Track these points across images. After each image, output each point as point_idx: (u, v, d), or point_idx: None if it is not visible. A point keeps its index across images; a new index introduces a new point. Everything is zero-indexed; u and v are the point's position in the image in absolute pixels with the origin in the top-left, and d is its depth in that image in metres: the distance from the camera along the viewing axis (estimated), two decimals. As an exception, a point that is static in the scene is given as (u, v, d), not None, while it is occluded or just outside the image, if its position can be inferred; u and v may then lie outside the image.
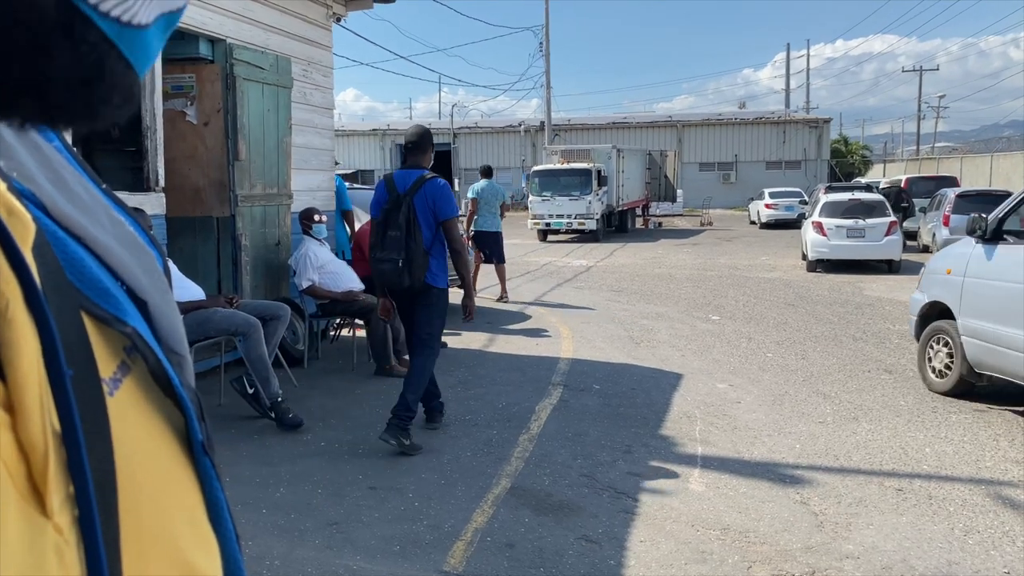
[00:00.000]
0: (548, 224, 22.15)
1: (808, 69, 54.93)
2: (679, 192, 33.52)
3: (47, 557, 0.29)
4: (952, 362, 6.09)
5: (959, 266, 6.08)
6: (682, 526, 3.77)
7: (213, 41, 6.27)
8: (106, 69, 0.31)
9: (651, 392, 6.17)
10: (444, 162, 41.88)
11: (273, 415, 5.15)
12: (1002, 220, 5.83)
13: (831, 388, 6.36)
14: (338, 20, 8.09)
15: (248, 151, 6.45)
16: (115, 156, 7.07)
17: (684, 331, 8.77)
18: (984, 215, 5.98)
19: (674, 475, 4.45)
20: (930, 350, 6.38)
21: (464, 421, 5.38)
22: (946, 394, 6.17)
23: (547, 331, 8.65)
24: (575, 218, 22.08)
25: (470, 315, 5.05)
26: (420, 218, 4.71)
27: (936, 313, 6.37)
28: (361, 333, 6.97)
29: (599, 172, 22.64)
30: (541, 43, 33.70)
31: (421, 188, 4.73)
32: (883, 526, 3.81)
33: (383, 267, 4.75)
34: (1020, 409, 5.82)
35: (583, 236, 22.70)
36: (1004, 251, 5.65)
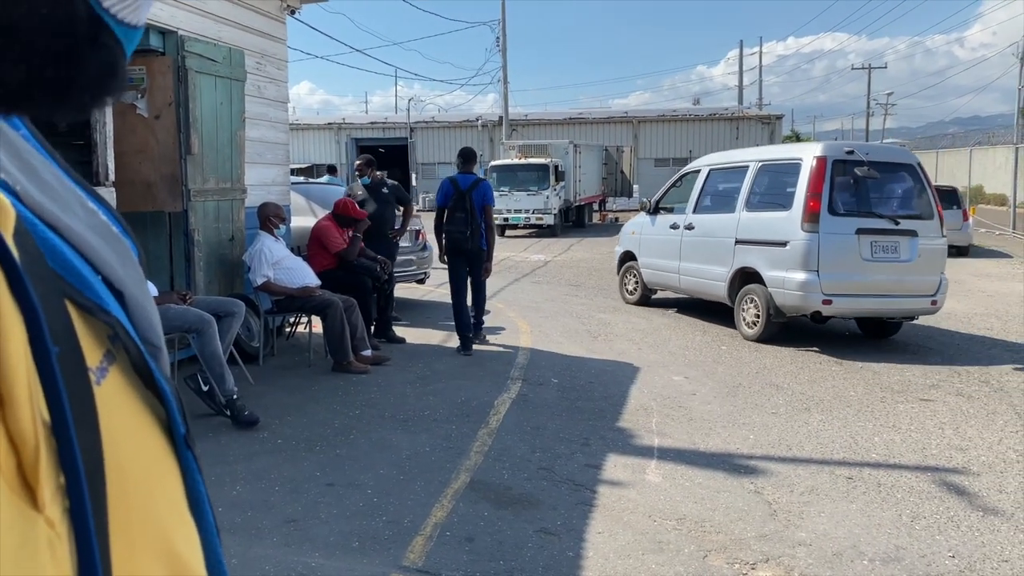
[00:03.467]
0: (506, 219, 22.14)
1: (760, 66, 55.65)
2: (635, 187, 33.80)
3: (40, 552, 0.29)
4: (637, 285, 10.21)
5: (638, 229, 10.17)
6: (639, 517, 3.82)
7: (164, 33, 6.15)
8: (118, 67, 0.36)
9: (608, 385, 6.23)
10: (401, 157, 41.61)
11: (228, 412, 5.08)
12: (658, 201, 9.92)
13: (783, 379, 6.49)
14: (292, 12, 7.99)
15: (201, 145, 6.34)
16: (63, 150, 6.79)
17: (640, 324, 8.86)
18: (649, 199, 10.20)
19: (631, 467, 4.50)
20: (625, 279, 10.47)
21: (423, 416, 5.37)
22: (635, 304, 10.16)
23: (505, 326, 8.67)
24: (533, 213, 22.14)
25: (488, 273, 7.57)
26: (476, 206, 7.16)
27: (627, 258, 10.41)
28: (318, 329, 6.91)
29: (556, 167, 22.71)
30: (498, 38, 33.65)
31: (477, 186, 7.23)
32: (834, 513, 3.90)
33: (456, 236, 7.20)
34: (673, 309, 9.83)
35: (541, 231, 22.76)
36: (659, 219, 9.73)
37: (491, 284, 9.93)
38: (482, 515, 3.81)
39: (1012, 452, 4.82)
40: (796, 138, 55.43)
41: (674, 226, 9.24)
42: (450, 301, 7.41)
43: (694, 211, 9.03)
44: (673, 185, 9.85)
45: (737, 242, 8.16)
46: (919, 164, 8.00)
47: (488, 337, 7.90)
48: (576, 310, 9.81)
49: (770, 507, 3.97)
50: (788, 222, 7.59)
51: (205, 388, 5.16)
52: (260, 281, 6.42)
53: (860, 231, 7.47)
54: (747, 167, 8.44)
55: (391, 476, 4.29)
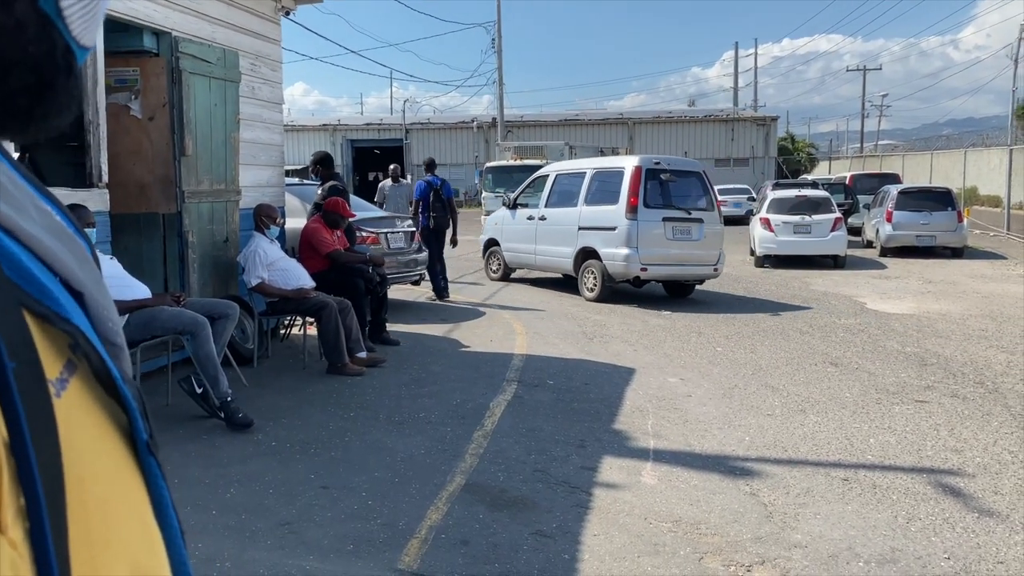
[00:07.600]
0: (501, 220, 22.12)
1: (756, 68, 55.85)
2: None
3: (2, 575, 0.28)
4: (500, 266, 12.66)
5: (501, 220, 12.64)
6: (635, 519, 3.81)
7: (158, 34, 6.13)
8: (80, 90, 0.36)
9: (604, 387, 6.22)
10: (396, 158, 41.56)
11: (222, 415, 5.06)
12: (516, 198, 12.41)
13: (779, 381, 6.49)
14: (287, 14, 7.97)
15: (195, 146, 6.32)
16: (57, 151, 6.87)
17: (636, 326, 8.86)
18: (509, 195, 12.70)
19: (627, 469, 4.49)
20: (490, 261, 12.94)
21: (418, 419, 5.36)
22: (499, 280, 12.53)
23: (500, 328, 8.66)
24: (528, 214, 22.15)
25: (456, 244, 10.94)
26: (446, 197, 10.48)
27: (491, 244, 12.83)
28: (312, 331, 6.89)
29: (551, 169, 22.70)
30: (493, 39, 33.69)
31: (444, 184, 10.61)
32: (830, 515, 3.90)
33: (438, 219, 10.35)
34: (524, 283, 12.33)
35: (536, 232, 22.77)
36: (518, 212, 12.20)
37: (487, 286, 11.98)
38: (477, 518, 3.80)
39: (1007, 453, 4.82)
40: (792, 140, 55.45)
41: (530, 218, 11.86)
42: (443, 302, 8.71)
43: (546, 206, 11.65)
44: (528, 186, 12.55)
45: (579, 228, 10.83)
46: (704, 171, 11.11)
47: (473, 329, 7.90)
48: (571, 312, 9.80)
49: (766, 509, 3.96)
50: (616, 213, 10.35)
51: (199, 390, 5.13)
52: (254, 283, 6.40)
53: (665, 219, 10.33)
54: (585, 172, 11.25)
55: (386, 479, 4.28)
